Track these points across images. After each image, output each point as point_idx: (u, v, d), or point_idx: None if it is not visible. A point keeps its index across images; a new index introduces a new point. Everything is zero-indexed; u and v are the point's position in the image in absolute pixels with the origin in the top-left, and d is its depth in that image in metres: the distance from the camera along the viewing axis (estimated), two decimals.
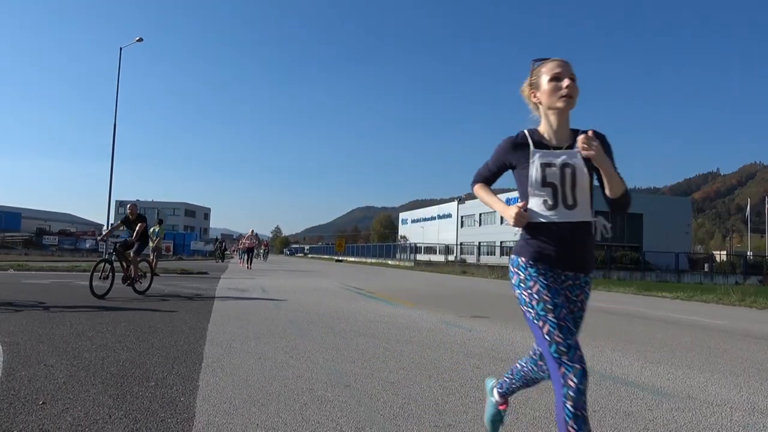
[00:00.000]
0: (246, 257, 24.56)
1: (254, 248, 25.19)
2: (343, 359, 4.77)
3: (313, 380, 3.97)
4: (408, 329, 6.81)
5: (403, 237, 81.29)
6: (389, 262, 50.03)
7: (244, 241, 25.29)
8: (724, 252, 66.42)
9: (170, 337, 5.66)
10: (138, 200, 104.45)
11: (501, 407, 2.69)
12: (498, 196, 2.61)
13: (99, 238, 26.52)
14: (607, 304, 12.57)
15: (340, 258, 62.67)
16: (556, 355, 2.03)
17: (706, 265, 44.59)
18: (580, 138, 2.10)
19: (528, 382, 2.55)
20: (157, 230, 17.97)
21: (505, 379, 2.62)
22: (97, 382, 3.70)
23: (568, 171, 2.22)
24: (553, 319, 2.09)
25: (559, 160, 2.23)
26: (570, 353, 2.03)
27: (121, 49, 30.51)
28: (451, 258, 52.61)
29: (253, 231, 25.14)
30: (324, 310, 8.67)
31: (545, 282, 2.18)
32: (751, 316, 10.98)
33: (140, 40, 30.50)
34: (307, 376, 4.08)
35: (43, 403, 3.21)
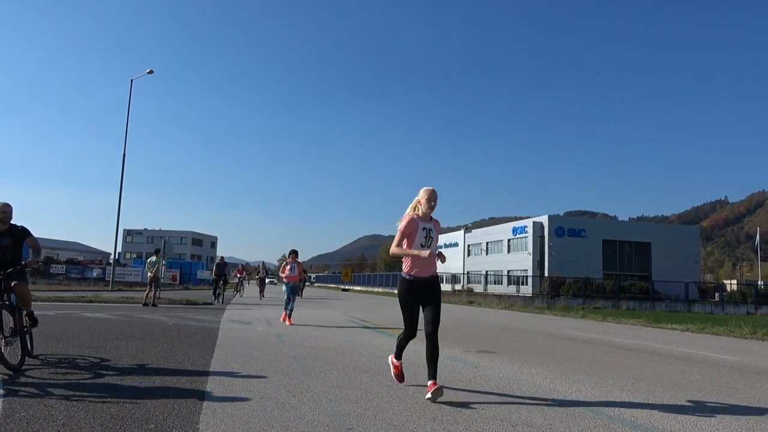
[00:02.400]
0: (289, 300, 12.30)
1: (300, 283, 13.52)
2: (346, 399, 4.69)
3: (315, 422, 3.90)
4: (413, 365, 6.70)
5: None
6: (396, 291, 49.66)
7: (285, 270, 12.57)
8: (735, 281, 65.64)
9: (172, 374, 5.60)
10: (146, 229, 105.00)
11: None
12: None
13: None
14: (616, 337, 12.39)
15: (347, 287, 62.39)
16: None
17: (716, 295, 43.99)
18: None
19: None
20: (154, 260, 17.21)
21: None
22: (96, 425, 3.64)
23: None
24: None
25: None
26: None
27: (132, 81, 31.14)
28: (457, 287, 52.22)
29: (294, 255, 12.88)
30: (328, 344, 8.59)
31: None
32: (763, 350, 10.78)
33: (151, 72, 31.11)
34: (309, 418, 4.01)
35: None
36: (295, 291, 12.42)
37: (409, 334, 5.15)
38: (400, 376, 5.42)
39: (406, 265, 5.00)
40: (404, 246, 4.97)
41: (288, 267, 12.50)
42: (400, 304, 5.10)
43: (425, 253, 4.84)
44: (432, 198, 5.03)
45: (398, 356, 5.42)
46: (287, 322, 11.83)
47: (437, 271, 5.10)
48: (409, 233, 4.95)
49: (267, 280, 31.54)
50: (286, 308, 12.21)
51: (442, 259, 4.99)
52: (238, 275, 30.44)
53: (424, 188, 5.13)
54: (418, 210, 5.03)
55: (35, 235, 6.12)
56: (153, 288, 16.76)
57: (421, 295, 5.00)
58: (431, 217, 5.10)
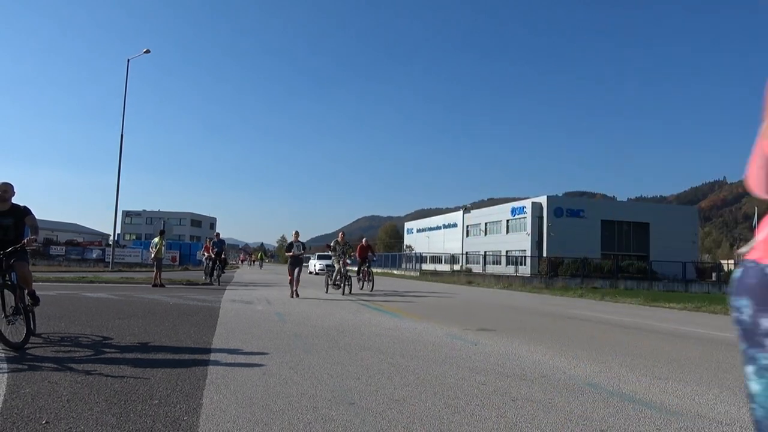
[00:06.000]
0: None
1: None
2: (347, 375, 4.74)
3: (317, 398, 3.95)
4: (413, 343, 6.77)
5: (409, 246, 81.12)
6: (395, 271, 49.90)
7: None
8: (732, 261, 65.80)
9: (175, 352, 5.65)
10: (144, 210, 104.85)
11: None
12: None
13: None
14: (614, 316, 12.47)
15: None
16: None
17: (713, 275, 44.22)
18: None
19: None
20: (156, 242, 17.33)
21: None
22: (100, 400, 3.68)
23: None
24: None
25: None
26: None
27: (128, 60, 30.83)
28: (456, 267, 52.43)
29: None
30: (329, 323, 8.64)
31: None
32: None
33: (147, 51, 30.77)
34: (311, 393, 4.05)
35: (46, 422, 3.20)
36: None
37: None
38: None
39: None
40: None
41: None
42: None
43: None
44: None
45: None
46: None
47: None
48: None
49: (308, 264, 23.19)
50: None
51: None
52: (205, 254, 21.84)
53: None
54: None
55: (36, 217, 6.13)
56: (157, 268, 16.90)
57: None
58: None
